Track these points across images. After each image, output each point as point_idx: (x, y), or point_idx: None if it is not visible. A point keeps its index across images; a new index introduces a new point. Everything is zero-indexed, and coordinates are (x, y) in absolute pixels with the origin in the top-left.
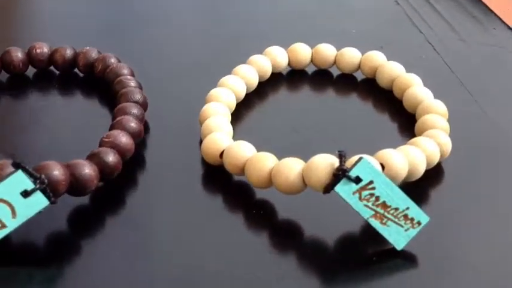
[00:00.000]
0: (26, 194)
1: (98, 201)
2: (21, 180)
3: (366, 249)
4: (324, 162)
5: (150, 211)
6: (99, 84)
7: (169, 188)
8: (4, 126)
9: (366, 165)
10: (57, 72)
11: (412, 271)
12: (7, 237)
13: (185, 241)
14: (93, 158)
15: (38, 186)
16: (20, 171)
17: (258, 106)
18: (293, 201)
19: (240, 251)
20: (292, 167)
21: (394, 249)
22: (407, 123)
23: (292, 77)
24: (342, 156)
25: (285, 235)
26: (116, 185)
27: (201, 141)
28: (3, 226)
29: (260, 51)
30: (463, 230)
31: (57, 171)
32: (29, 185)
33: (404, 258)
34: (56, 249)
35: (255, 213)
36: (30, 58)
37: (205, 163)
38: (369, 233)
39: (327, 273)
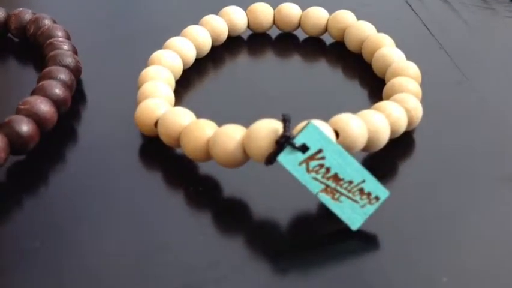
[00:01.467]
0: None
1: (15, 178)
2: None
3: (320, 230)
4: (266, 128)
5: (78, 190)
6: (34, 50)
7: (101, 164)
8: None
9: (314, 131)
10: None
11: (372, 254)
12: None
13: (116, 223)
14: (4, 127)
15: None
16: None
17: (211, 73)
18: (239, 176)
19: (176, 233)
20: (231, 135)
21: (349, 229)
22: (377, 89)
23: (253, 41)
24: (285, 121)
25: (229, 215)
26: (40, 161)
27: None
28: None
29: (216, 13)
30: (431, 207)
31: None
32: None
33: (362, 240)
34: None
35: (192, 190)
36: None
37: (143, 134)
38: (325, 211)
39: (274, 258)
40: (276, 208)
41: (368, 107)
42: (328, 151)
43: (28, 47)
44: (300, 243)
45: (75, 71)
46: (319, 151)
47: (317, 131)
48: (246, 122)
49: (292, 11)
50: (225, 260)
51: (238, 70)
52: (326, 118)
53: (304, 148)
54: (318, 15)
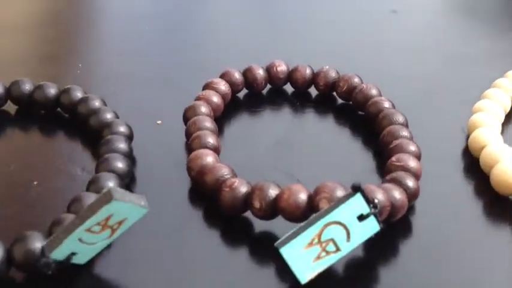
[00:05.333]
0: (361, 218)
1: None
2: (359, 203)
3: None
4: None
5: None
6: (334, 103)
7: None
8: (252, 145)
9: None
10: (292, 90)
11: None
12: None
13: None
14: (395, 182)
15: (372, 210)
16: (359, 194)
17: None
18: None
19: None
20: None
21: None
22: None
23: None
24: None
25: None
26: None
27: (466, 168)
28: (338, 250)
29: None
30: None
31: (381, 196)
32: (364, 208)
33: None
34: None
35: None
36: (270, 76)
37: (482, 194)
38: None
39: None
40: None
41: None
42: None
43: (329, 101)
44: None
45: (407, 127)
46: None
47: None
48: None
49: None
50: None
51: None
52: None
53: None
54: None
